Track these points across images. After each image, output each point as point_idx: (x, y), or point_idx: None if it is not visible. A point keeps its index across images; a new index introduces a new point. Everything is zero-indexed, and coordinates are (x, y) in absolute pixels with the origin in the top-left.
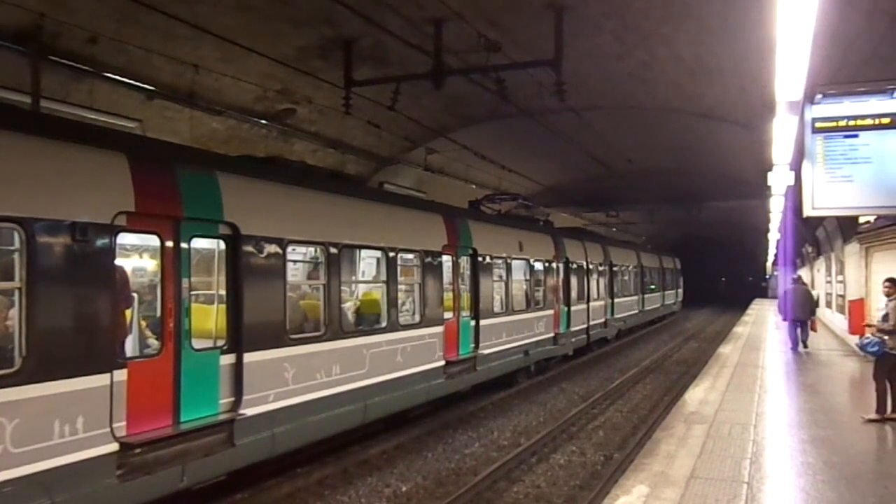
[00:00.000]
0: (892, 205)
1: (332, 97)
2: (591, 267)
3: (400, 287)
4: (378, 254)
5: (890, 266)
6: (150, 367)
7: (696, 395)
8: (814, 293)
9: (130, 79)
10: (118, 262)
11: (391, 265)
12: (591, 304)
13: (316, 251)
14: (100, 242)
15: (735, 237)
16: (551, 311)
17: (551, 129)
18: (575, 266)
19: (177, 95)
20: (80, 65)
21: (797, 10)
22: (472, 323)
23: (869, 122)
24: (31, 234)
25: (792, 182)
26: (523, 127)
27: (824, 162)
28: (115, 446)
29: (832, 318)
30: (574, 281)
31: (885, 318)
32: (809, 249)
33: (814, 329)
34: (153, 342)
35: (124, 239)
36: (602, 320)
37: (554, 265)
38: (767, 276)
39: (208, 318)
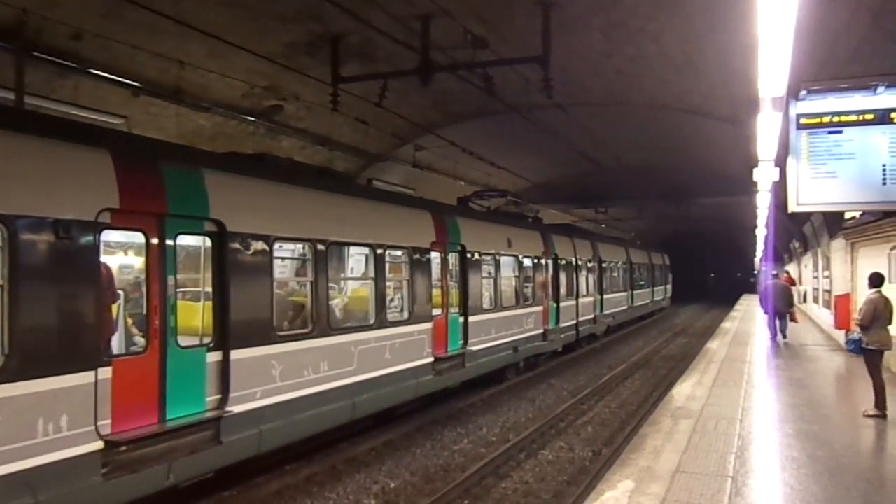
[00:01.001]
0: (875, 200)
1: (320, 94)
2: (580, 263)
3: (388, 284)
4: (366, 251)
5: (874, 262)
6: (135, 365)
7: (684, 390)
8: (801, 289)
9: (115, 75)
10: (103, 259)
11: (379, 262)
12: (580, 300)
13: (303, 248)
14: (83, 240)
15: (723, 233)
16: (540, 308)
17: (540, 126)
18: (564, 262)
19: (162, 92)
20: (65, 61)
21: (779, 5)
22: (461, 319)
23: (853, 118)
24: (13, 232)
25: (777, 178)
26: (512, 123)
27: (809, 158)
28: (99, 444)
29: (819, 314)
30: (563, 277)
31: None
32: (797, 245)
33: (794, 320)
34: (139, 340)
35: (108, 236)
36: (591, 316)
37: (543, 261)
38: (756, 272)
39: (194, 316)
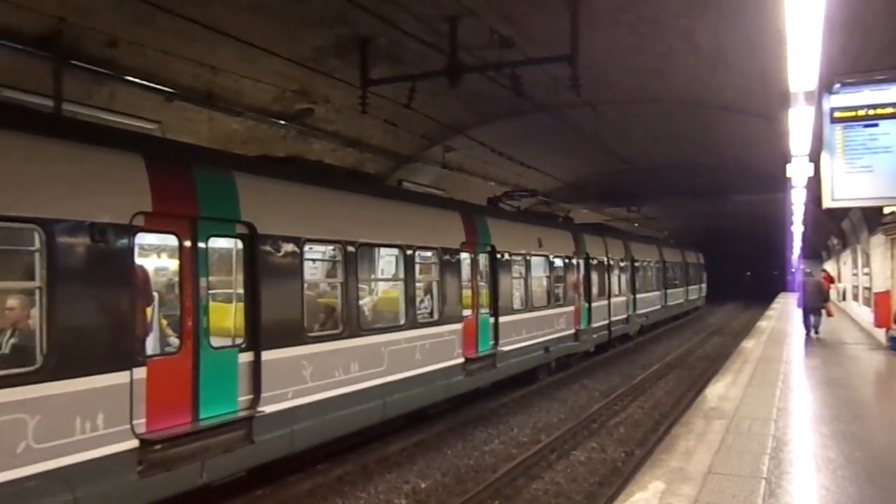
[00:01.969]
0: None
1: (350, 96)
2: (611, 263)
3: (418, 284)
4: (396, 252)
5: None
6: (169, 365)
7: (717, 390)
8: (840, 286)
9: (150, 81)
10: (137, 261)
11: (409, 263)
12: (613, 300)
13: (334, 249)
14: (118, 243)
15: (759, 231)
16: (572, 308)
17: (569, 125)
18: (595, 262)
19: (195, 97)
20: (101, 68)
21: None
22: (492, 320)
23: (889, 110)
24: (50, 235)
25: (812, 173)
26: (541, 123)
27: (844, 152)
28: (135, 443)
29: (859, 312)
30: (595, 277)
31: None
32: (835, 242)
33: (830, 314)
34: (173, 340)
35: (142, 239)
36: (624, 316)
37: (574, 261)
38: (793, 270)
39: (226, 317)
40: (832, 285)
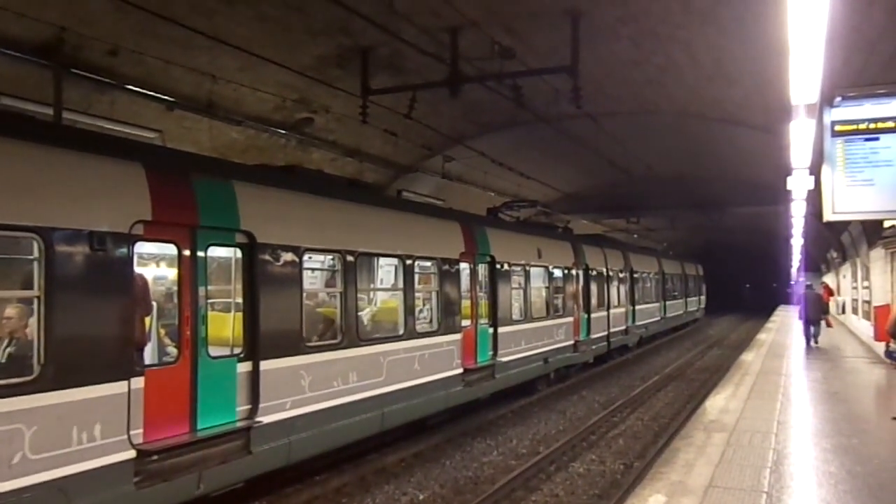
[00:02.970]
0: None
1: (350, 106)
2: (611, 274)
3: (417, 295)
4: (395, 261)
5: None
6: (167, 375)
7: (717, 403)
8: (839, 299)
9: (150, 90)
10: (136, 270)
11: (408, 273)
12: (612, 311)
13: (333, 259)
14: (117, 251)
15: (759, 243)
16: (571, 319)
17: (569, 136)
18: (595, 273)
19: (196, 106)
20: (102, 77)
21: (812, 12)
22: (491, 330)
23: (890, 124)
24: (49, 244)
25: (812, 186)
26: (541, 134)
27: (844, 165)
28: (132, 453)
29: (858, 325)
30: (594, 288)
31: None
32: (835, 255)
33: (830, 325)
34: (171, 350)
35: (142, 248)
36: (623, 327)
37: (573, 272)
38: (792, 283)
39: (225, 326)
40: (832, 298)
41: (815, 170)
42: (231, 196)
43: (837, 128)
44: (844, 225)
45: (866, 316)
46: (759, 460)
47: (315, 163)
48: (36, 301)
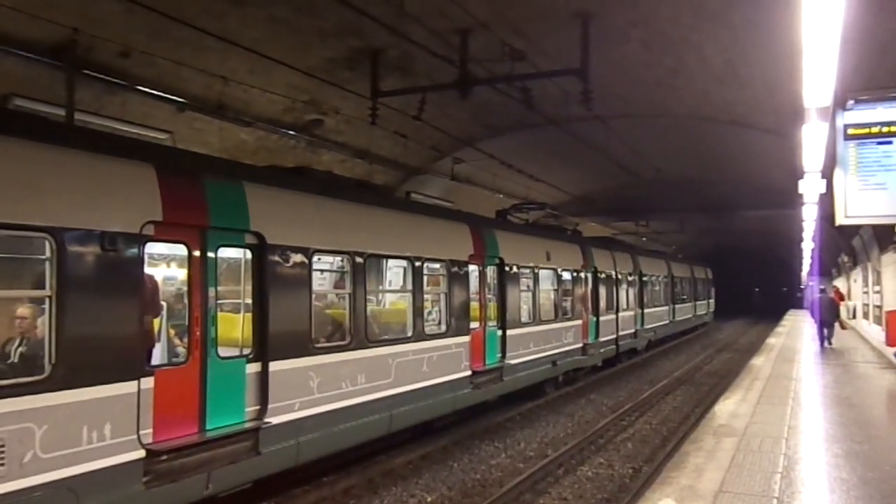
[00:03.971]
0: None
1: (359, 108)
2: (620, 277)
3: (426, 296)
4: (404, 263)
5: None
6: (176, 375)
7: (727, 407)
8: (850, 304)
9: (161, 91)
10: (146, 271)
11: (417, 275)
12: (621, 314)
13: (342, 260)
14: (128, 252)
15: (769, 247)
16: (579, 322)
17: (579, 138)
18: (603, 276)
19: (206, 107)
20: (113, 78)
21: (825, 14)
22: (499, 333)
23: None
24: (61, 244)
25: (824, 190)
26: (551, 136)
27: (857, 169)
28: (141, 453)
29: (868, 330)
30: (603, 291)
31: None
32: (846, 259)
33: (844, 328)
34: (180, 350)
35: (152, 248)
36: (632, 331)
37: (582, 275)
38: (802, 287)
39: (234, 327)
40: (842, 302)
41: (828, 173)
42: (241, 197)
43: (850, 131)
44: (856, 229)
45: (877, 321)
46: (769, 465)
47: (324, 164)
48: (47, 301)
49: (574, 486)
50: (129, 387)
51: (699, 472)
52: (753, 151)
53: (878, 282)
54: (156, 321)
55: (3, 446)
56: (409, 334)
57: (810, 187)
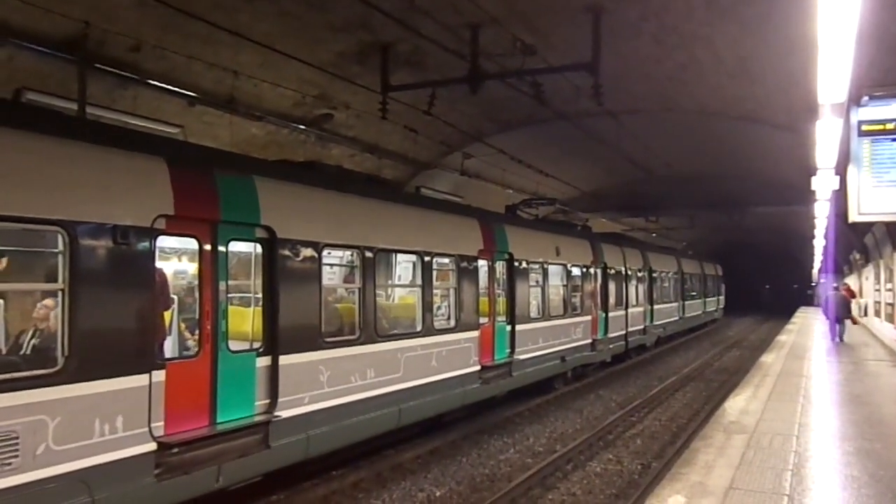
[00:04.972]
0: None
1: (370, 102)
2: (629, 273)
3: (435, 291)
4: (414, 258)
5: None
6: (187, 369)
7: (737, 404)
8: (861, 301)
9: (172, 85)
10: (158, 264)
11: (427, 269)
12: (630, 310)
13: (352, 255)
14: (140, 245)
15: (779, 243)
16: (589, 317)
17: (589, 133)
18: (613, 272)
19: (217, 101)
20: (125, 72)
21: (840, 10)
22: (508, 328)
23: None
24: (73, 237)
25: (837, 187)
26: (561, 131)
27: (871, 166)
28: (153, 446)
29: (881, 328)
30: (612, 287)
31: None
32: (857, 256)
33: (855, 323)
34: (191, 344)
35: (164, 242)
36: (641, 327)
37: (592, 271)
38: (814, 284)
39: (245, 321)
40: (853, 300)
41: (841, 170)
42: (252, 191)
43: (864, 127)
44: (868, 226)
45: (889, 318)
46: (780, 462)
47: (334, 159)
48: (60, 294)
49: (583, 481)
50: (141, 380)
51: (709, 468)
52: (764, 147)
53: (890, 279)
54: (167, 314)
55: (16, 438)
56: (419, 329)
57: (823, 184)
